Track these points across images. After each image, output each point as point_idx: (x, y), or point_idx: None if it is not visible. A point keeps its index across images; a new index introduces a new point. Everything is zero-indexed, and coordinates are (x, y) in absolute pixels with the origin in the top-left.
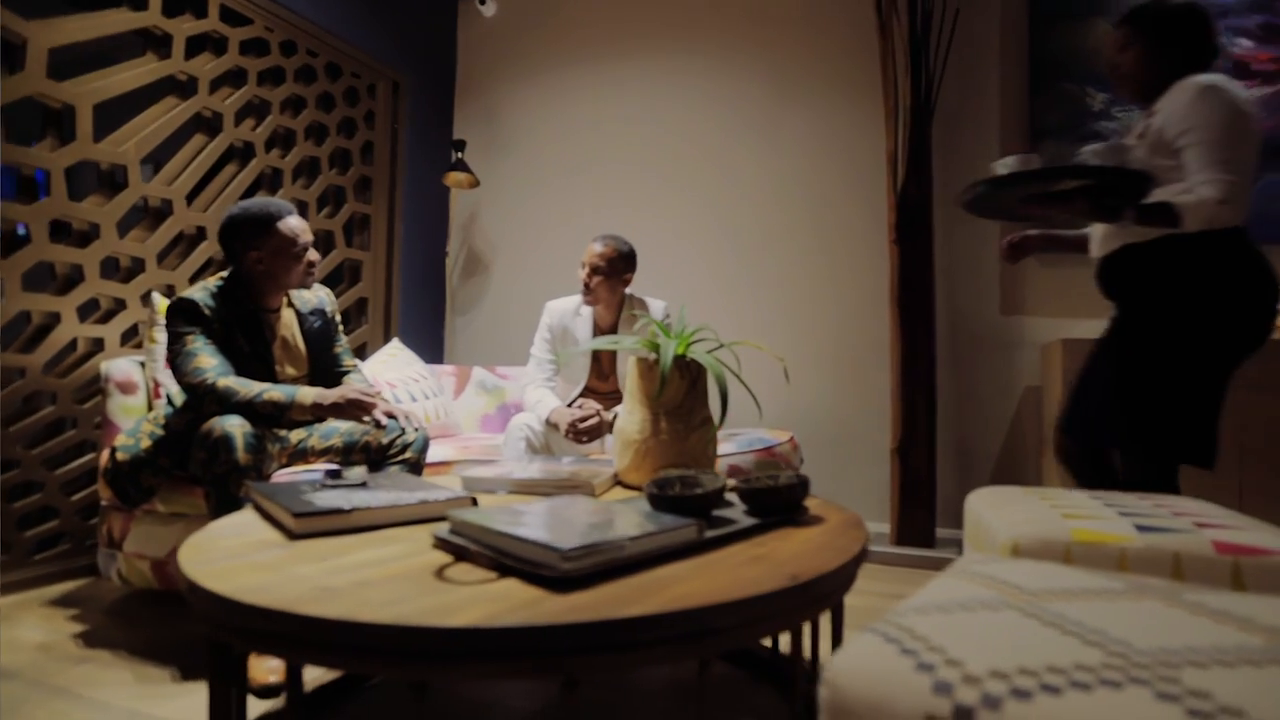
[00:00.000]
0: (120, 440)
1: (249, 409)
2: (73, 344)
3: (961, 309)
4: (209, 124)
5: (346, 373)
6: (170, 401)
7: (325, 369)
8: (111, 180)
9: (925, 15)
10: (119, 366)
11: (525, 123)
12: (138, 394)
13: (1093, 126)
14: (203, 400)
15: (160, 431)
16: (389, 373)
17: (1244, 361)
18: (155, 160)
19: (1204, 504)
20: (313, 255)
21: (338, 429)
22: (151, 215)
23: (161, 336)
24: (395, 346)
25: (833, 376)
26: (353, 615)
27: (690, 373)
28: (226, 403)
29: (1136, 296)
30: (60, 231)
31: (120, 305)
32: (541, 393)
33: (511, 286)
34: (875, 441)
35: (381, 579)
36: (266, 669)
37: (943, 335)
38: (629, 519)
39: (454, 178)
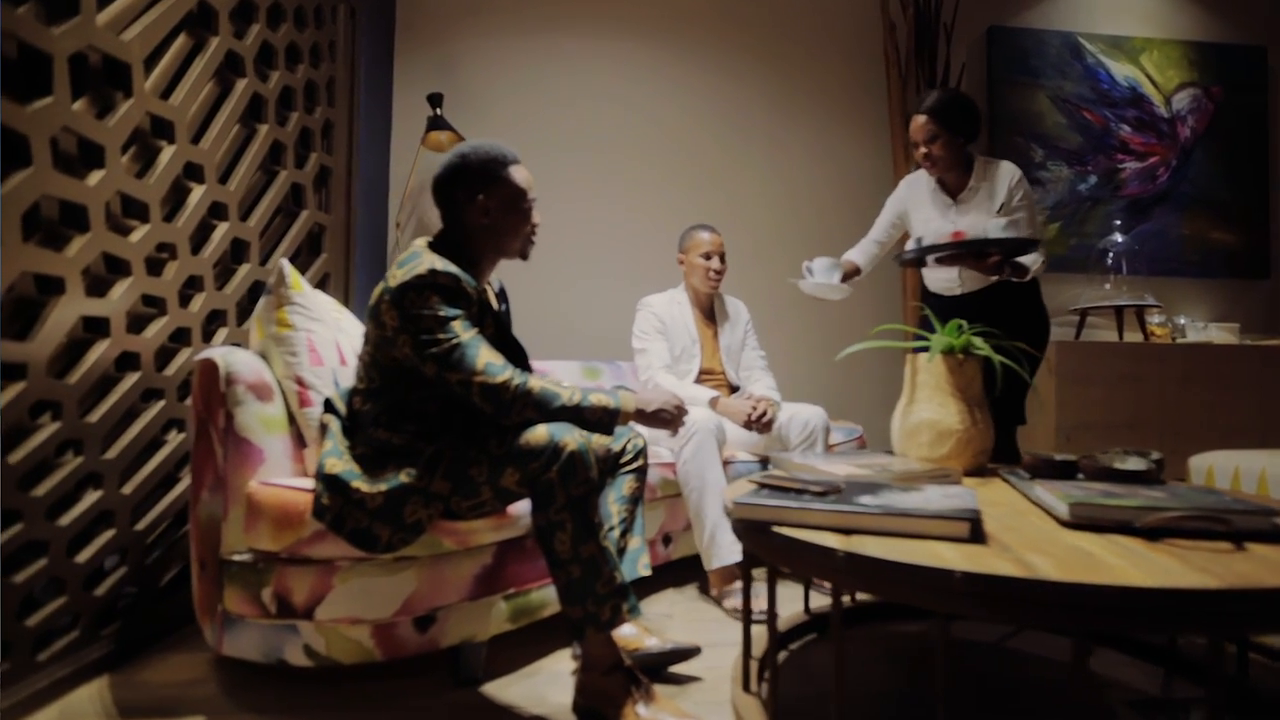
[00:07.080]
0: (338, 466)
1: (577, 416)
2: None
3: None
4: (199, 20)
5: None
6: (331, 408)
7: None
8: (109, 82)
9: (933, 69)
10: (244, 362)
11: (498, 85)
12: (274, 400)
13: (1035, 173)
14: (509, 406)
15: (366, 450)
16: None
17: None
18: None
19: None
20: (536, 217)
21: None
22: (140, 141)
23: (298, 319)
24: None
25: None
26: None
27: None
28: (546, 409)
29: (1004, 319)
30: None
31: (123, 269)
32: (676, 380)
33: None
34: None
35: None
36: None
37: None
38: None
39: (435, 139)
